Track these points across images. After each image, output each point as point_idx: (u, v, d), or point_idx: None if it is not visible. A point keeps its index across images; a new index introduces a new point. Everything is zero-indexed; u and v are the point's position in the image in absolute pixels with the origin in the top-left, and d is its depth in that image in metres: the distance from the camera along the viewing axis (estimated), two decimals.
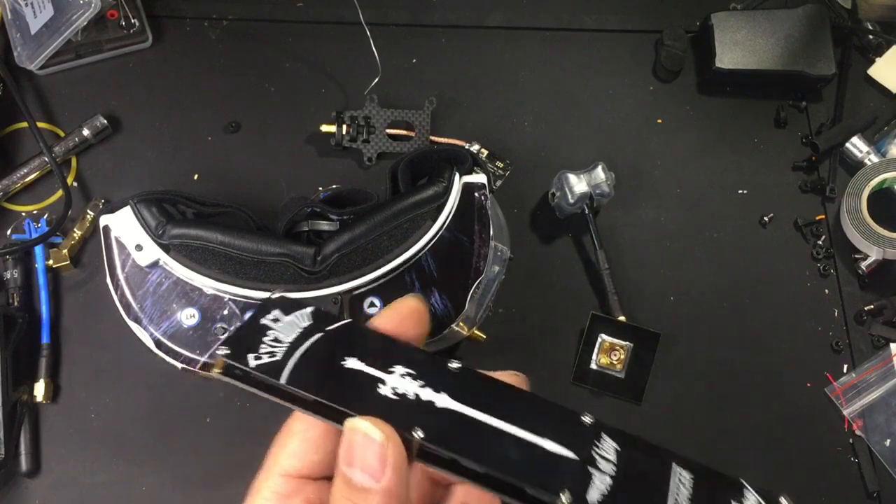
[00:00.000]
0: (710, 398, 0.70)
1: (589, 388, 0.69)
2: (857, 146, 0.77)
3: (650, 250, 0.74)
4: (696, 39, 0.81)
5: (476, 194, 0.64)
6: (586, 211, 0.71)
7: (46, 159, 0.70)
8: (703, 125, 0.79)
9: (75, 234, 0.69)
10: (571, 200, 0.69)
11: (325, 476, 0.32)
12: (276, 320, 0.34)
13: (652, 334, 0.69)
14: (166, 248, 0.60)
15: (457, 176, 0.64)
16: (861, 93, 0.81)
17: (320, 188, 0.74)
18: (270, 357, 0.32)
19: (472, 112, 0.78)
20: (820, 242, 0.75)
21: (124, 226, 0.61)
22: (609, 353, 0.69)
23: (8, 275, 0.68)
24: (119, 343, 0.65)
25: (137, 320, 0.60)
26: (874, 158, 0.76)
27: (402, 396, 0.31)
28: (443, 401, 0.31)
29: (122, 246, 0.61)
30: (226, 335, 0.32)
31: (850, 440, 0.69)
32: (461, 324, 0.62)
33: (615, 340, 0.69)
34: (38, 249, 0.69)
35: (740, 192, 0.77)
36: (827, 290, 0.74)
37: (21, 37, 0.74)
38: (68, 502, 0.64)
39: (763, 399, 0.70)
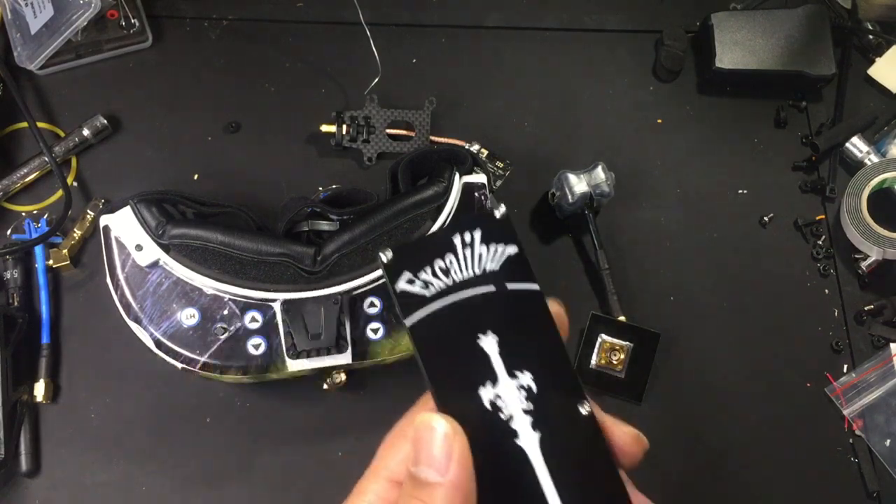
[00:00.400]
0: (710, 398, 0.70)
1: (589, 388, 0.69)
2: (857, 146, 0.77)
3: (650, 250, 0.74)
4: (696, 39, 0.81)
5: (476, 194, 0.64)
6: (586, 211, 0.71)
7: (46, 159, 0.70)
8: (703, 125, 0.79)
9: (75, 234, 0.69)
10: (571, 200, 0.69)
11: None
12: (468, 244, 0.30)
13: (652, 334, 0.69)
14: (166, 248, 0.60)
15: (457, 176, 0.64)
16: (861, 93, 0.81)
17: (320, 188, 0.74)
18: (423, 287, 0.29)
19: (472, 112, 0.78)
20: (820, 242, 0.75)
21: (124, 226, 0.61)
22: (609, 354, 0.69)
23: (8, 275, 0.68)
24: (119, 343, 0.65)
25: (137, 320, 0.60)
26: (874, 158, 0.76)
27: (496, 410, 0.29)
28: (528, 441, 0.29)
29: (122, 246, 0.61)
30: (407, 243, 0.29)
31: (850, 440, 0.69)
32: None
33: (615, 340, 0.69)
34: (38, 249, 0.69)
35: (740, 192, 0.77)
36: (827, 291, 0.74)
37: (21, 37, 0.73)
38: (68, 502, 0.64)
39: (763, 399, 0.70)
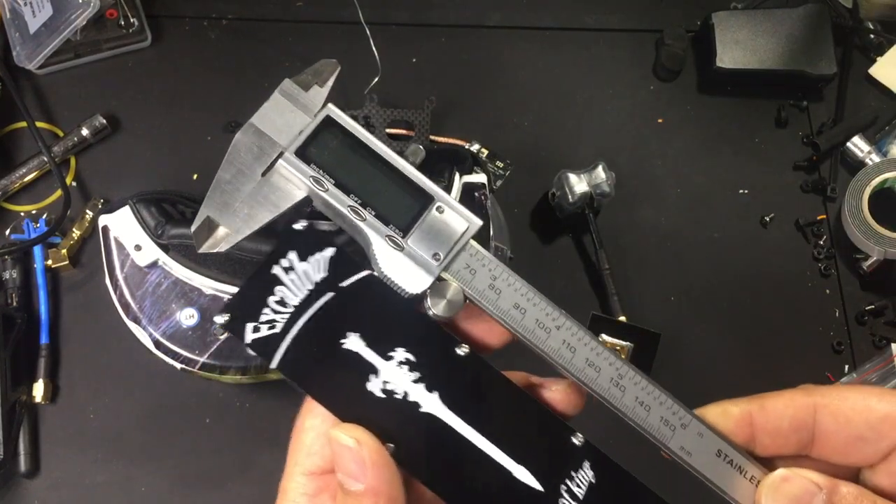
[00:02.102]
0: (710, 398, 0.70)
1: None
2: (858, 146, 0.76)
3: (650, 250, 0.74)
4: (697, 39, 0.81)
5: (476, 194, 0.64)
6: (586, 211, 0.71)
7: (45, 159, 0.70)
8: (704, 125, 0.79)
9: (74, 234, 0.69)
10: (572, 200, 0.69)
11: None
12: (289, 269, 0.32)
13: (652, 334, 0.69)
14: (165, 248, 0.60)
15: (457, 176, 0.64)
16: (862, 92, 0.80)
17: None
18: (270, 328, 0.30)
19: (472, 112, 0.78)
20: (821, 242, 0.75)
21: (123, 226, 0.60)
22: None
23: (7, 275, 0.67)
24: (118, 343, 0.65)
25: (136, 320, 0.60)
26: (875, 158, 0.76)
27: (390, 394, 0.31)
28: (430, 403, 0.31)
29: (121, 246, 0.60)
30: (233, 295, 0.31)
31: None
32: None
33: (615, 341, 0.69)
34: (37, 249, 0.68)
35: (741, 191, 0.77)
36: (828, 290, 0.74)
37: (20, 36, 0.73)
38: (67, 502, 0.64)
39: None
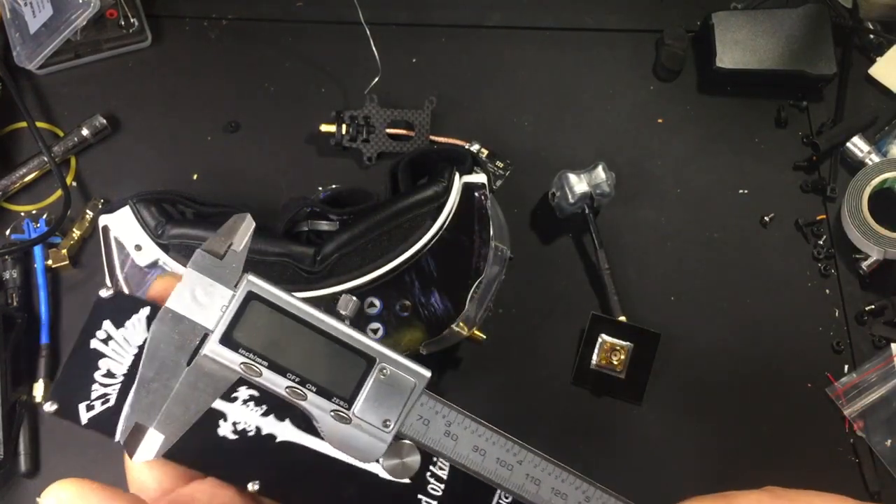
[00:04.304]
0: (710, 399, 0.70)
1: (589, 389, 0.69)
2: (858, 146, 0.76)
3: (650, 250, 0.74)
4: (697, 39, 0.81)
5: (476, 194, 0.64)
6: (586, 211, 0.71)
7: (45, 159, 0.70)
8: (704, 125, 0.79)
9: (74, 234, 0.69)
10: (572, 200, 0.69)
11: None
12: (107, 339, 0.30)
13: (652, 334, 0.69)
14: (166, 248, 0.60)
15: (457, 176, 0.64)
16: (862, 92, 0.80)
17: (320, 188, 0.73)
18: (104, 403, 0.29)
19: (472, 112, 0.78)
20: (821, 242, 0.75)
21: (123, 226, 0.61)
22: (609, 354, 0.69)
23: (7, 275, 0.68)
24: None
25: None
26: (875, 158, 0.76)
27: (243, 433, 0.30)
28: (285, 432, 0.30)
29: (121, 246, 0.60)
30: (56, 378, 0.29)
31: (851, 440, 0.69)
32: (461, 324, 0.62)
33: (615, 341, 0.69)
34: (38, 249, 0.68)
35: (741, 191, 0.77)
36: (828, 290, 0.74)
37: (20, 36, 0.73)
38: None
39: (763, 399, 0.70)
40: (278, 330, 0.29)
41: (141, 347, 0.30)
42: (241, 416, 0.30)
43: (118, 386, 0.30)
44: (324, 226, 0.67)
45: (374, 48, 0.72)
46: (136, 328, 0.30)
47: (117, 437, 0.30)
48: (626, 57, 0.81)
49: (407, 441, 0.30)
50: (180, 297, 0.29)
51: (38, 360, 0.66)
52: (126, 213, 0.61)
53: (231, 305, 0.29)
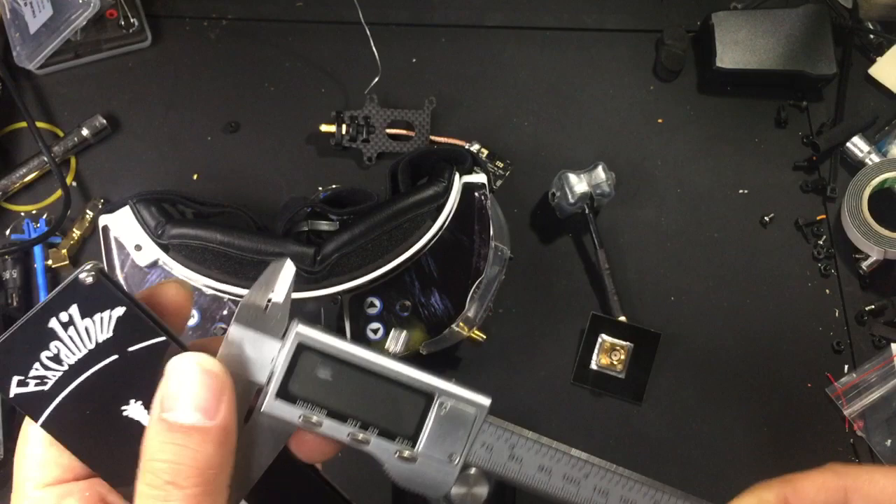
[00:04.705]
0: (710, 398, 0.70)
1: (589, 389, 0.69)
2: (858, 146, 0.76)
3: (650, 250, 0.74)
4: (697, 39, 0.81)
5: (476, 194, 0.64)
6: (586, 211, 0.71)
7: (45, 159, 0.70)
8: (704, 125, 0.79)
9: (74, 234, 0.69)
10: (572, 200, 0.69)
11: (90, 475, 0.29)
12: (68, 324, 0.28)
13: (652, 334, 0.69)
14: (166, 249, 0.60)
15: (457, 176, 0.64)
16: (862, 92, 0.80)
17: (320, 188, 0.73)
18: (39, 384, 0.28)
19: (472, 112, 0.78)
20: (821, 242, 0.75)
21: (123, 226, 0.61)
22: (609, 354, 0.69)
23: (7, 275, 0.67)
24: None
25: None
26: (875, 158, 0.76)
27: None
28: None
29: (121, 246, 0.61)
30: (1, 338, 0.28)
31: (851, 440, 0.69)
32: (461, 324, 0.62)
33: (615, 340, 0.69)
34: (37, 249, 0.68)
35: (741, 191, 0.77)
36: (828, 291, 0.74)
37: (20, 36, 0.73)
38: None
39: (763, 399, 0.70)
40: (334, 377, 0.29)
41: (99, 345, 0.28)
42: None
43: (59, 374, 0.28)
44: (324, 226, 0.67)
45: (374, 48, 0.72)
46: (102, 324, 0.28)
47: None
48: (626, 57, 0.81)
49: (473, 470, 0.30)
50: (229, 357, 0.28)
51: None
52: (126, 213, 0.61)
53: (282, 358, 0.29)
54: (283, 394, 0.29)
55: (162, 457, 0.26)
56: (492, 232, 0.63)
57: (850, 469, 0.31)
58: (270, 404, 0.29)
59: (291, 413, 0.29)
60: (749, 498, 0.32)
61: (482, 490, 0.31)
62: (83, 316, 0.28)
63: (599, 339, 0.69)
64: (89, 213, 0.70)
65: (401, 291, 0.63)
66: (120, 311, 0.28)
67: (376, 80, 0.74)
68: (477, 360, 0.69)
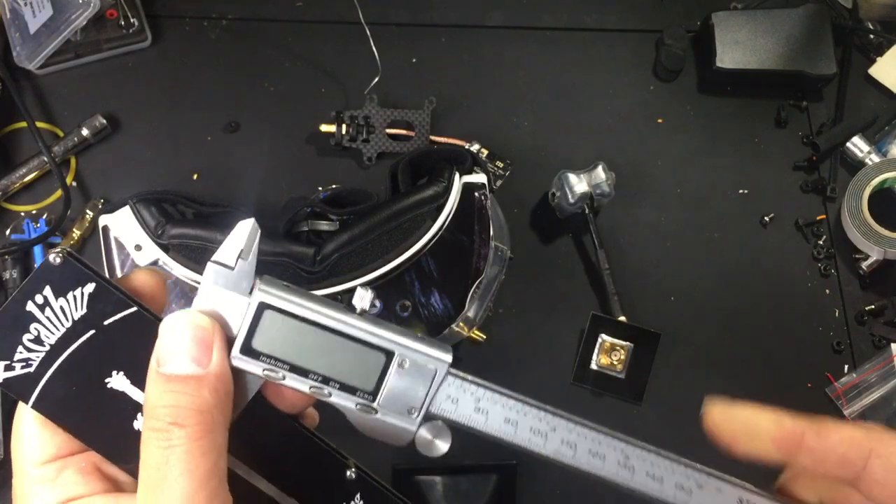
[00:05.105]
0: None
1: (589, 389, 0.69)
2: (858, 146, 0.76)
3: (650, 250, 0.74)
4: (697, 39, 0.81)
5: (476, 194, 0.64)
6: (586, 211, 0.71)
7: (45, 159, 0.70)
8: (704, 125, 0.79)
9: (74, 234, 0.69)
10: (572, 200, 0.69)
11: (84, 449, 0.31)
12: (44, 305, 0.29)
13: (652, 334, 0.69)
14: (165, 248, 0.60)
15: (457, 176, 0.64)
16: (862, 92, 0.80)
17: (320, 188, 0.73)
18: (24, 367, 0.29)
19: (472, 112, 0.78)
20: (821, 242, 0.75)
21: (123, 226, 0.61)
22: (609, 354, 0.69)
23: (7, 275, 0.67)
24: None
25: None
26: (875, 158, 0.76)
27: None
28: None
29: (121, 246, 0.60)
30: None
31: None
32: (461, 324, 0.62)
33: (615, 340, 0.69)
34: (37, 249, 0.69)
35: (741, 191, 0.77)
36: (828, 291, 0.74)
37: (20, 36, 0.73)
38: None
39: (763, 400, 0.70)
40: (296, 334, 0.30)
41: (76, 322, 0.29)
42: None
43: (42, 354, 0.29)
44: (324, 226, 0.67)
45: (374, 48, 0.72)
46: (75, 302, 0.30)
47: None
48: (626, 57, 0.81)
49: (439, 421, 0.31)
50: (203, 310, 0.30)
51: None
52: (126, 213, 0.61)
53: (245, 316, 0.30)
54: (247, 350, 0.30)
55: (163, 403, 0.28)
56: (492, 232, 0.63)
57: (882, 433, 0.31)
58: (236, 358, 0.30)
59: (256, 367, 0.30)
60: (768, 414, 0.32)
61: (445, 442, 0.31)
62: (57, 296, 0.29)
63: (599, 339, 0.69)
64: (89, 213, 0.70)
65: (401, 291, 0.63)
66: (91, 287, 0.30)
67: (376, 80, 0.74)
68: (477, 360, 0.69)
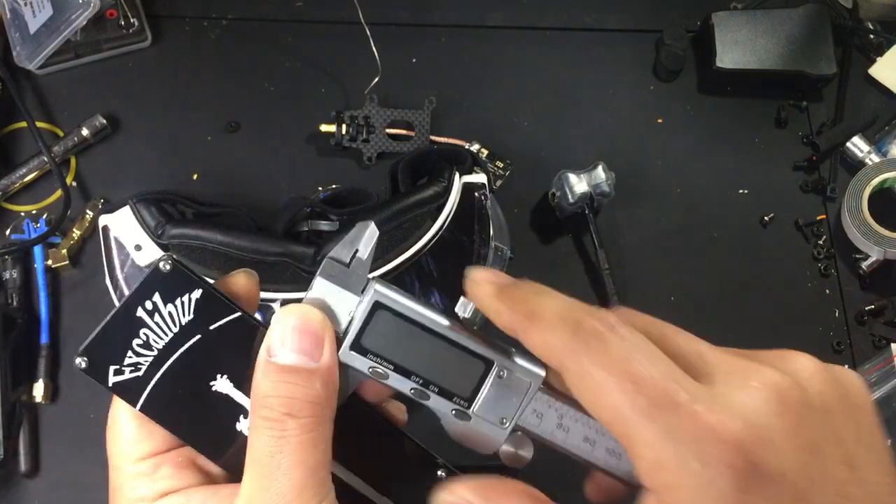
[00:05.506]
0: None
1: None
2: (858, 146, 0.76)
3: (650, 250, 0.74)
4: (697, 39, 0.81)
5: (476, 194, 0.64)
6: (586, 211, 0.71)
7: (45, 159, 0.70)
8: (704, 125, 0.79)
9: (74, 234, 0.69)
10: (572, 200, 0.69)
11: (180, 444, 0.31)
12: (153, 311, 0.31)
13: None
14: (165, 248, 0.60)
15: (457, 176, 0.64)
16: (862, 92, 0.80)
17: (320, 188, 0.73)
18: (133, 371, 0.30)
19: (472, 112, 0.78)
20: (821, 242, 0.75)
21: (123, 226, 0.61)
22: None
23: (7, 275, 0.67)
24: None
25: None
26: (875, 158, 0.76)
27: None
28: None
29: (121, 246, 0.61)
30: (91, 336, 0.31)
31: None
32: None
33: None
34: (37, 249, 0.68)
35: (741, 191, 0.77)
36: (828, 291, 0.74)
37: (20, 36, 0.73)
38: (67, 502, 0.64)
39: None
40: (404, 336, 0.31)
41: (183, 327, 0.31)
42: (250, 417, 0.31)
43: (151, 358, 0.30)
44: (324, 226, 0.67)
45: (374, 48, 0.72)
46: (183, 308, 0.31)
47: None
48: (626, 57, 0.81)
49: (518, 432, 0.32)
50: (312, 305, 0.31)
51: (38, 361, 0.66)
52: (126, 213, 0.61)
53: (359, 313, 0.31)
54: (357, 347, 0.31)
55: (276, 393, 0.28)
56: (492, 232, 0.63)
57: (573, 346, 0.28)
58: (345, 354, 0.31)
59: (362, 364, 0.31)
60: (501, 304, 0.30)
61: (528, 452, 0.32)
62: (165, 302, 0.31)
63: None
64: (89, 213, 0.70)
65: None
66: (198, 293, 0.31)
67: (376, 80, 0.74)
68: None
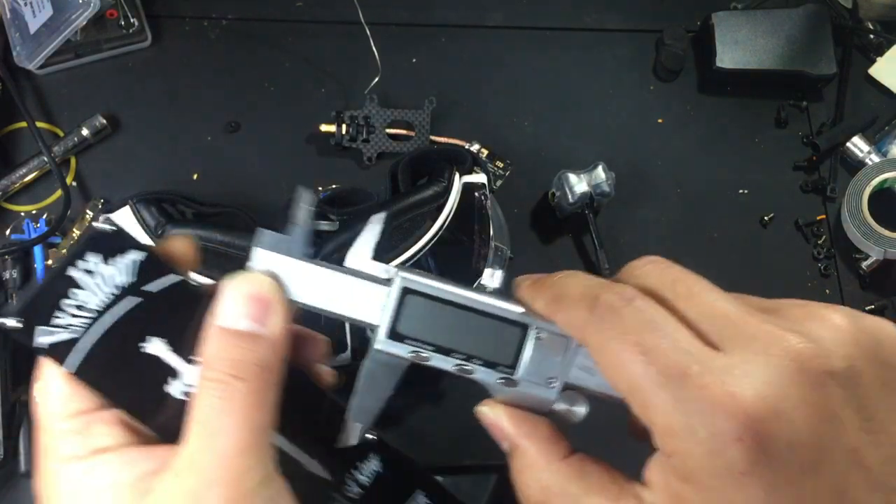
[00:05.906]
0: None
1: None
2: (858, 146, 0.76)
3: (650, 250, 0.74)
4: (697, 39, 0.81)
5: (476, 194, 0.64)
6: (586, 211, 0.71)
7: (45, 159, 0.70)
8: (704, 125, 0.79)
9: (74, 234, 0.69)
10: (572, 200, 0.69)
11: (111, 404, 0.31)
12: (89, 272, 0.30)
13: None
14: None
15: (457, 176, 0.64)
16: (862, 92, 0.81)
17: (320, 188, 0.73)
18: (64, 332, 0.29)
19: (472, 112, 0.78)
20: (821, 242, 0.75)
21: (123, 226, 0.60)
22: None
23: (7, 275, 0.67)
24: None
25: None
26: (875, 158, 0.76)
27: (190, 398, 0.30)
28: None
29: None
30: (23, 296, 0.30)
31: None
32: None
33: None
34: (37, 249, 0.68)
35: (741, 191, 0.77)
36: (828, 291, 0.74)
37: (20, 36, 0.73)
38: None
39: None
40: (437, 316, 0.31)
41: (120, 288, 0.30)
42: (194, 380, 0.30)
43: (86, 320, 0.30)
44: (324, 226, 0.67)
45: (374, 48, 0.72)
46: (123, 268, 0.30)
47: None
48: (626, 57, 0.81)
49: (574, 391, 0.32)
50: (338, 300, 0.32)
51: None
52: (126, 213, 0.61)
53: (389, 303, 0.31)
54: (394, 335, 0.31)
55: (224, 355, 0.28)
56: (492, 232, 0.63)
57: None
58: (383, 343, 0.31)
59: (402, 350, 0.31)
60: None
61: (581, 408, 0.32)
62: (105, 262, 0.30)
63: None
64: (89, 213, 0.70)
65: None
66: (137, 255, 0.31)
67: (376, 80, 0.74)
68: None
